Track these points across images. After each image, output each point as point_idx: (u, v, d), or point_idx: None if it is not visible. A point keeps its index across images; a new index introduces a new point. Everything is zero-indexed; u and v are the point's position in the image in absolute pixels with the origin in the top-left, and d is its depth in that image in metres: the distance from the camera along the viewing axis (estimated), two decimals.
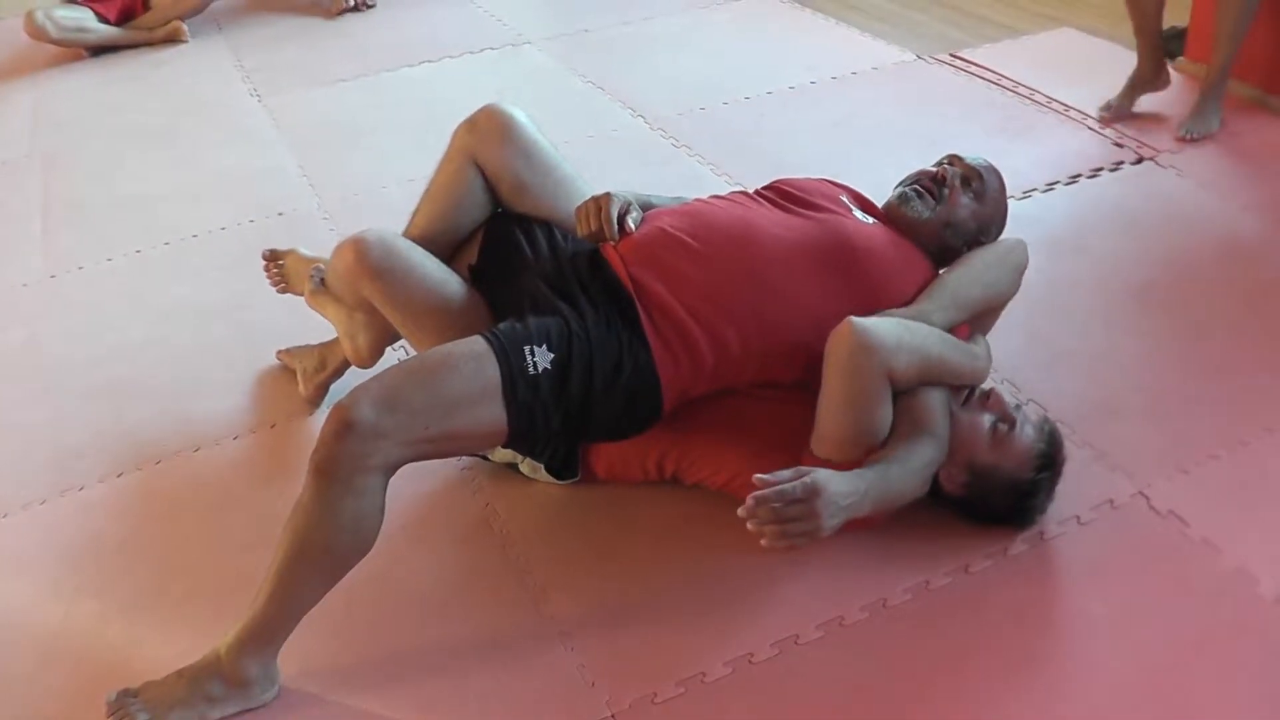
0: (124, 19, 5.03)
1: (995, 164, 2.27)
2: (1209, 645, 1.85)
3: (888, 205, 2.22)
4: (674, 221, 2.06)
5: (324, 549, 1.79)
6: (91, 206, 3.61)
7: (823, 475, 1.69)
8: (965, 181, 2.19)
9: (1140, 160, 3.36)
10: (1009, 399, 2.06)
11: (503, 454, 2.25)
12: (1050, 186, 3.25)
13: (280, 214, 3.36)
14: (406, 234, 2.23)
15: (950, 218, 2.16)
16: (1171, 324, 2.64)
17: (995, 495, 2.01)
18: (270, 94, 4.40)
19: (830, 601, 1.96)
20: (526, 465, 2.24)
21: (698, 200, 2.20)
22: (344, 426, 1.73)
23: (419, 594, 2.06)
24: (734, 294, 1.98)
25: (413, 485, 2.29)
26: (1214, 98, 3.45)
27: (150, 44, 5.05)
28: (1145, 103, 3.65)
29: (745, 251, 2.01)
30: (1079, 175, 3.30)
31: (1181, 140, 3.42)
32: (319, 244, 2.76)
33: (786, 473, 1.69)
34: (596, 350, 1.91)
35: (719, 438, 2.11)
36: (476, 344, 1.87)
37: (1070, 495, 2.12)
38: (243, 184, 3.64)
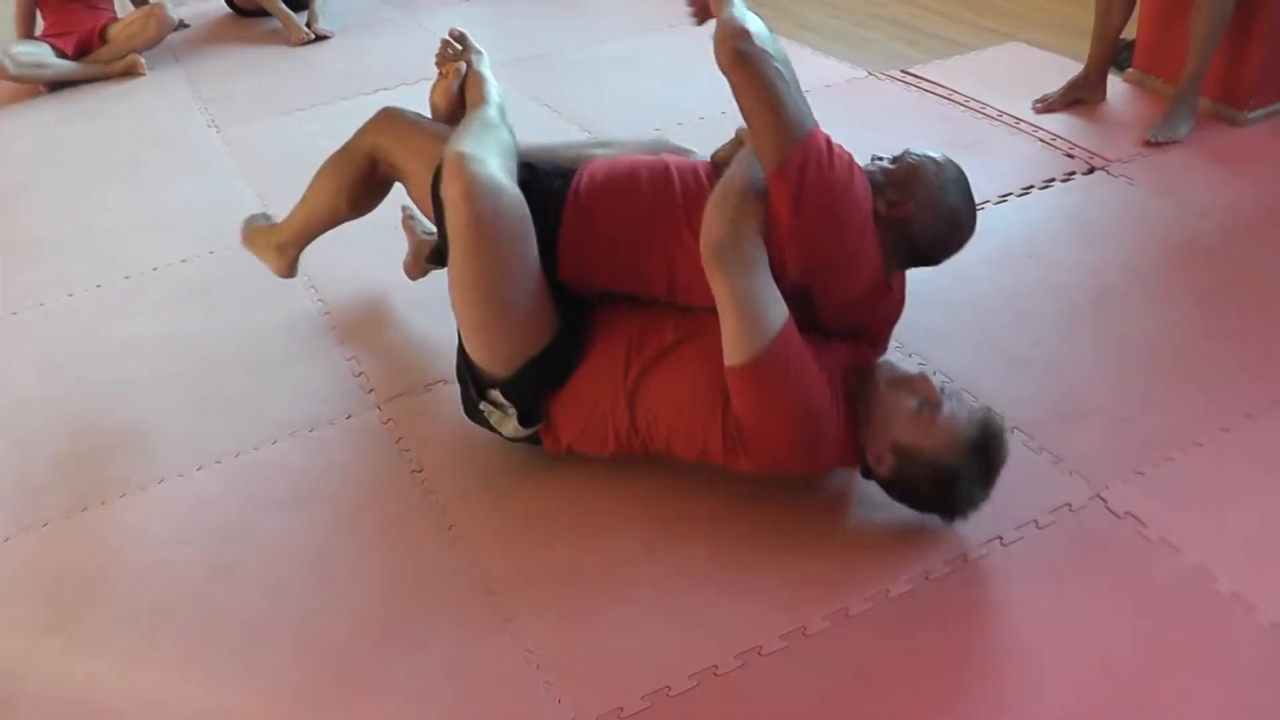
0: (81, 53, 5.02)
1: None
2: (1169, 642, 1.88)
3: None
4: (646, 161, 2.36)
5: None
6: (51, 242, 3.59)
7: None
8: (897, 158, 2.29)
9: (1092, 170, 3.41)
10: (943, 384, 2.06)
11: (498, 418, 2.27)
12: (1003, 198, 3.29)
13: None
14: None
15: (871, 168, 2.29)
16: (1126, 329, 2.68)
17: (921, 480, 2.02)
18: (228, 124, 4.39)
19: (792, 612, 1.97)
20: (495, 417, 2.24)
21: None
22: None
23: (382, 614, 2.06)
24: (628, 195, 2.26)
25: (374, 506, 2.31)
26: (1185, 104, 3.51)
27: (108, 78, 5.04)
28: (1096, 113, 3.72)
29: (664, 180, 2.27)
30: (1031, 186, 3.35)
31: (1147, 143, 3.47)
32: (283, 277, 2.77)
33: None
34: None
35: (683, 399, 2.11)
36: None
37: (1028, 499, 2.16)
38: (202, 215, 3.64)
